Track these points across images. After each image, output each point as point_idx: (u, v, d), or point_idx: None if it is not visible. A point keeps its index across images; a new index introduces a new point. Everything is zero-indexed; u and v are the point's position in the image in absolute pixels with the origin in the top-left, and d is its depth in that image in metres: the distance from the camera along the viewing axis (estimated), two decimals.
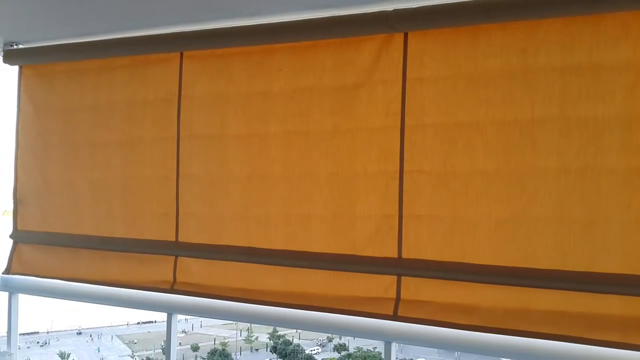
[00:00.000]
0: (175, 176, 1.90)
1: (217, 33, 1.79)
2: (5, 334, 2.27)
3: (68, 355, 28.59)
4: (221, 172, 1.82)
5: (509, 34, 1.45)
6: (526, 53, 1.43)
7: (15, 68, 2.20)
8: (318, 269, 1.67)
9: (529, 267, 1.41)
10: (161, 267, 1.93)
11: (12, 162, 2.24)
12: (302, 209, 1.70)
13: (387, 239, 1.58)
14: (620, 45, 1.34)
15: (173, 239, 1.90)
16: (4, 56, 2.16)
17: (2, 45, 2.15)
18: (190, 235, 1.88)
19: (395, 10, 1.53)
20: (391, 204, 1.58)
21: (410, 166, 1.56)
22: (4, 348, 2.28)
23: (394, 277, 1.57)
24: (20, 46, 2.16)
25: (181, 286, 1.89)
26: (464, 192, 1.49)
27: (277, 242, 1.73)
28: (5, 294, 2.27)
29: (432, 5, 1.49)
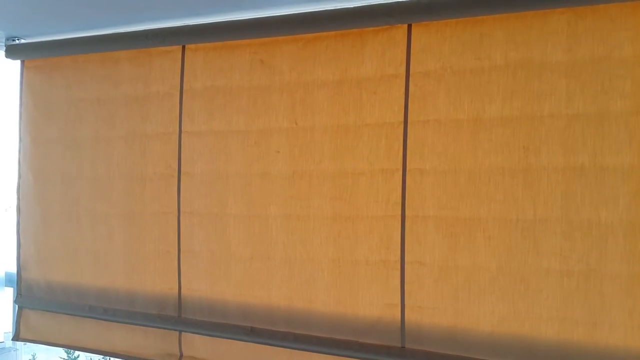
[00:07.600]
0: (176, 251, 1.90)
1: (219, 26, 1.76)
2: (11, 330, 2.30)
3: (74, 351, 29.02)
4: (222, 251, 1.81)
5: (509, 131, 1.42)
6: (528, 151, 1.41)
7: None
8: (321, 353, 1.68)
9: None
10: (167, 341, 1.94)
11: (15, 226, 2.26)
12: (304, 293, 1.69)
13: (389, 328, 1.58)
14: (624, 150, 1.31)
15: (176, 314, 1.91)
16: (6, 51, 2.14)
17: (4, 40, 2.13)
18: (193, 311, 1.88)
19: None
20: (393, 293, 1.57)
21: (411, 257, 1.55)
22: (10, 344, 2.30)
23: None
24: (23, 41, 2.14)
25: None
26: (467, 287, 1.48)
27: (279, 325, 1.73)
28: (10, 290, 2.31)
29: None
